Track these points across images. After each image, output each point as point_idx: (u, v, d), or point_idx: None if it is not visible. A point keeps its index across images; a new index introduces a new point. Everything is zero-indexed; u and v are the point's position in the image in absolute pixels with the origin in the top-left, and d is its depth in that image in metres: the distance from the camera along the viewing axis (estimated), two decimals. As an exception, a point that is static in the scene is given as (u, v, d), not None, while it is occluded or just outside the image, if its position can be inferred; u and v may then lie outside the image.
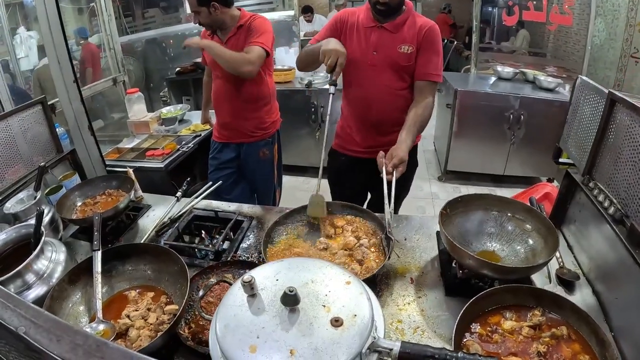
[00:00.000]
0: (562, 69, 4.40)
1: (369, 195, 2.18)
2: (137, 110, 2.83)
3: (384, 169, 1.49)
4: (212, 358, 0.69)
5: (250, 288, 0.72)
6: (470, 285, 1.24)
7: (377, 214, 1.46)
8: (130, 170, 1.87)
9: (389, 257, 1.26)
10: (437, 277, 1.32)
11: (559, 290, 1.23)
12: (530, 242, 1.31)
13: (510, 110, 3.45)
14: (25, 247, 1.25)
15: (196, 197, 1.77)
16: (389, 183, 1.45)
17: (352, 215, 1.50)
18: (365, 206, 2.14)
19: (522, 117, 3.45)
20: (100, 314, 1.10)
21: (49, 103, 1.85)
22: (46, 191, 1.72)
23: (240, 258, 1.45)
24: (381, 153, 1.54)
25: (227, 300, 0.75)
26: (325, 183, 2.15)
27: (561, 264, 1.31)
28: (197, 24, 2.10)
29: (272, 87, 2.30)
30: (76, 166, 1.90)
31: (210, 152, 2.44)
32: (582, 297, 1.23)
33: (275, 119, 2.37)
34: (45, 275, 1.20)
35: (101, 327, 1.08)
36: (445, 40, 7.23)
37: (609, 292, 1.17)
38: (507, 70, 3.93)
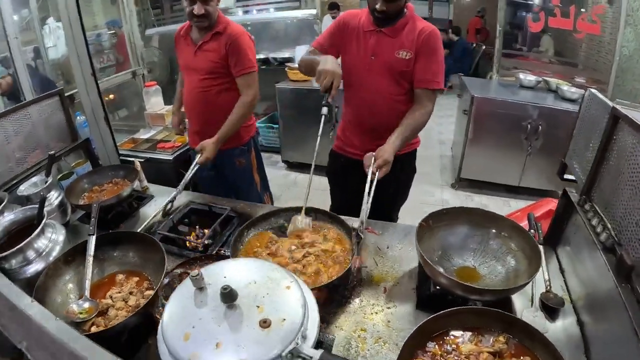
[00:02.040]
0: (592, 80, 4.26)
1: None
2: (154, 102, 2.97)
3: (369, 169, 1.51)
4: (158, 340, 0.76)
5: (198, 282, 0.79)
6: (446, 302, 1.16)
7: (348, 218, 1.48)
8: (137, 162, 1.98)
9: (356, 253, 1.30)
10: (411, 290, 1.31)
11: (539, 316, 1.18)
12: (514, 262, 1.28)
13: (527, 120, 3.38)
14: (30, 227, 1.36)
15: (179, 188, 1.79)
16: (370, 182, 1.48)
17: (327, 223, 1.50)
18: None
19: (540, 127, 3.38)
20: (87, 293, 1.20)
21: (70, 93, 2.00)
22: (59, 176, 1.86)
23: (226, 253, 1.52)
24: (369, 154, 1.56)
25: (179, 290, 0.82)
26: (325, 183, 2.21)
27: (548, 287, 1.25)
28: (199, 16, 1.90)
29: None
30: (89, 154, 2.04)
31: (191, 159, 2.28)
32: (563, 325, 1.17)
33: (249, 126, 2.29)
34: (44, 253, 1.32)
35: (86, 304, 1.18)
36: (474, 44, 7.11)
37: (594, 324, 1.10)
38: (529, 78, 3.84)
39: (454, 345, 0.98)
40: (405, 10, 1.69)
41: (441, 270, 1.19)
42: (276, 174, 4.45)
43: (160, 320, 0.78)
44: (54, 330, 0.66)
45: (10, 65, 2.80)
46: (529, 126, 3.39)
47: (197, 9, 1.87)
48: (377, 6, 1.60)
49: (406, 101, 1.76)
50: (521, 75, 3.88)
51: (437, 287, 1.23)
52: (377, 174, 1.51)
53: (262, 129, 4.82)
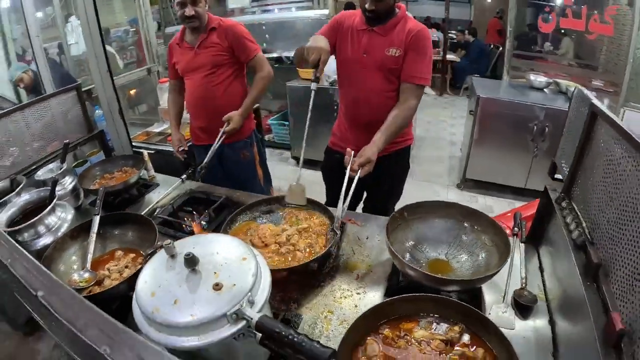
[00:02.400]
0: (609, 83, 4.20)
1: (365, 195, 2.23)
2: (167, 98, 3.13)
3: (349, 165, 1.56)
4: (133, 298, 0.89)
5: (170, 250, 0.91)
6: (415, 292, 1.13)
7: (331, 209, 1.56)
8: (145, 153, 2.14)
9: (331, 247, 1.38)
10: (383, 279, 1.37)
11: (509, 312, 1.19)
12: (486, 256, 1.31)
13: (534, 121, 3.39)
14: (43, 207, 1.53)
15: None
16: (350, 179, 1.53)
17: (312, 211, 1.61)
18: (361, 205, 2.29)
19: (546, 129, 3.38)
20: (88, 265, 1.36)
21: (88, 88, 2.17)
22: (74, 164, 2.03)
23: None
24: (349, 150, 1.60)
25: (156, 257, 0.95)
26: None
27: (523, 285, 1.25)
28: (190, 17, 2.04)
29: (247, 89, 2.33)
30: (102, 145, 2.20)
31: (196, 156, 2.46)
32: (534, 324, 1.17)
33: (251, 121, 2.41)
34: (54, 229, 1.49)
35: (86, 275, 1.33)
36: (491, 46, 7.06)
37: (564, 325, 1.09)
38: (539, 79, 3.82)
39: (406, 330, 1.02)
40: (396, 10, 1.76)
41: (406, 260, 1.27)
42: (285, 169, 4.59)
43: (137, 280, 0.91)
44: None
45: (32, 61, 3.02)
46: (535, 127, 3.40)
47: (188, 10, 2.02)
48: (367, 5, 1.68)
49: (397, 97, 1.81)
50: (532, 77, 3.87)
51: (403, 278, 1.29)
52: (358, 172, 1.55)
53: (274, 126, 4.96)
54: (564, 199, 1.29)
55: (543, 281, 1.32)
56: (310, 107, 1.63)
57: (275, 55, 4.78)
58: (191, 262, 0.85)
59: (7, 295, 1.63)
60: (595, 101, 1.15)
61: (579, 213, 1.18)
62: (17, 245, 0.79)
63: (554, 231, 1.32)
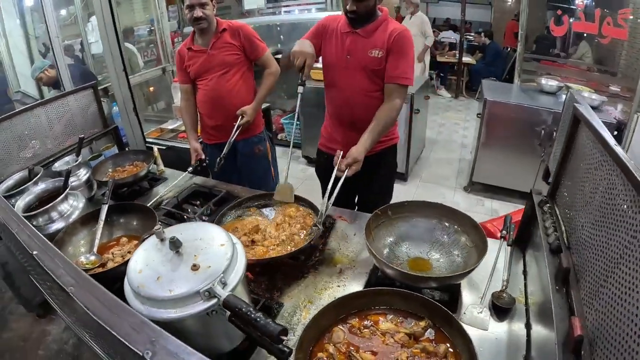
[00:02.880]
0: (626, 89, 4.13)
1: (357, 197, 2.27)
2: (181, 96, 3.28)
3: (336, 166, 1.64)
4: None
5: (159, 235, 1.02)
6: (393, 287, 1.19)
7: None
8: (156, 149, 2.27)
9: (311, 241, 1.47)
10: (364, 274, 1.44)
11: (484, 313, 1.21)
12: (465, 256, 1.36)
13: (542, 125, 3.39)
14: (57, 195, 1.67)
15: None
16: (337, 179, 1.61)
17: (301, 207, 1.71)
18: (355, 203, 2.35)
19: (554, 133, 3.36)
20: (95, 249, 1.49)
21: (105, 86, 2.31)
22: (89, 157, 2.18)
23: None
24: (338, 152, 1.69)
25: (148, 241, 1.06)
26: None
27: (504, 287, 1.27)
28: (198, 18, 2.13)
29: (256, 88, 2.42)
30: (116, 140, 2.35)
31: (206, 157, 2.42)
32: (510, 326, 1.19)
33: (260, 118, 2.50)
34: (66, 215, 1.63)
35: (92, 257, 1.47)
36: (509, 49, 7.00)
37: (538, 329, 1.09)
38: (550, 83, 3.79)
39: (373, 322, 1.08)
40: (378, 12, 1.82)
41: (384, 257, 1.34)
42: (296, 167, 4.69)
43: (130, 259, 1.02)
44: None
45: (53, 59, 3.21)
46: (542, 132, 3.39)
47: (197, 12, 2.12)
48: (348, 6, 1.73)
49: (381, 97, 1.86)
50: (543, 81, 3.84)
51: (383, 274, 1.35)
52: (346, 171, 1.62)
53: (286, 125, 5.08)
54: (547, 202, 1.32)
55: (525, 285, 1.33)
56: (297, 110, 1.78)
57: (289, 55, 4.89)
58: (175, 244, 0.96)
59: (24, 279, 1.78)
60: (580, 105, 1.15)
61: (560, 217, 1.20)
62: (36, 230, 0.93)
63: (538, 235, 1.31)
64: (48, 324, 2.65)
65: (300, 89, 1.72)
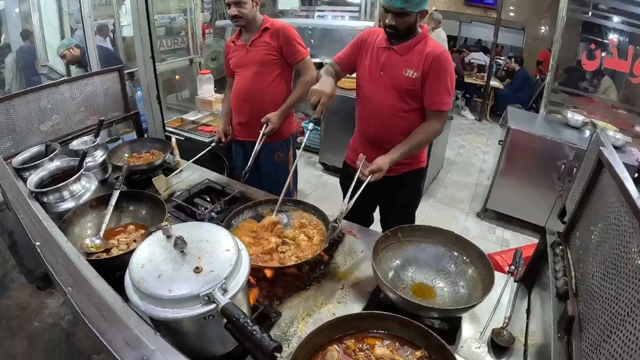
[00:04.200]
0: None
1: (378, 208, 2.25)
2: (205, 89, 3.31)
3: (359, 169, 1.65)
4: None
5: (166, 231, 1.01)
6: (395, 312, 1.14)
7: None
8: (174, 139, 2.28)
9: (327, 243, 1.46)
10: (366, 293, 1.41)
11: (482, 349, 1.17)
12: (470, 289, 1.33)
13: (562, 160, 3.31)
14: (71, 174, 1.68)
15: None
16: (359, 181, 1.61)
17: (309, 214, 1.69)
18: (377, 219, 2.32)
19: (575, 169, 3.30)
20: (101, 234, 1.49)
21: (131, 70, 2.33)
22: (107, 139, 2.19)
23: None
24: (361, 155, 1.69)
25: (154, 235, 1.05)
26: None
27: (504, 324, 1.24)
28: (234, 16, 2.17)
29: (289, 93, 2.38)
30: (136, 125, 2.36)
31: (233, 150, 2.62)
32: None
33: (291, 123, 2.50)
34: (77, 195, 1.64)
35: (97, 241, 1.46)
36: (537, 77, 6.91)
37: None
38: (576, 117, 3.71)
39: (369, 345, 1.05)
40: (418, 29, 1.77)
41: (389, 279, 1.31)
42: (312, 173, 4.68)
43: (134, 251, 1.01)
44: (65, 247, 0.92)
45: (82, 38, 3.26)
46: (563, 166, 3.32)
47: (232, 10, 2.15)
48: (387, 21, 1.68)
49: (411, 118, 1.83)
50: (568, 114, 3.76)
51: (383, 295, 1.31)
52: (368, 177, 1.63)
53: (307, 130, 5.06)
54: (560, 244, 1.27)
55: (527, 324, 1.29)
56: (303, 144, 1.81)
57: (317, 60, 4.88)
58: (180, 244, 0.94)
59: (28, 250, 1.79)
60: (605, 150, 1.09)
61: (571, 262, 1.16)
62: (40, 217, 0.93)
63: (546, 275, 1.27)
64: (47, 297, 2.67)
65: (310, 125, 1.73)
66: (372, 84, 1.85)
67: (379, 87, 1.83)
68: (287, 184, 1.71)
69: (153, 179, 1.94)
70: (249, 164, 2.11)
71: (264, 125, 2.22)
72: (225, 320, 0.87)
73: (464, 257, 1.41)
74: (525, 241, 3.63)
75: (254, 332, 0.80)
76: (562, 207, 1.55)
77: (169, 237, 1.01)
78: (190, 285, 0.88)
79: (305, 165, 4.84)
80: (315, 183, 4.47)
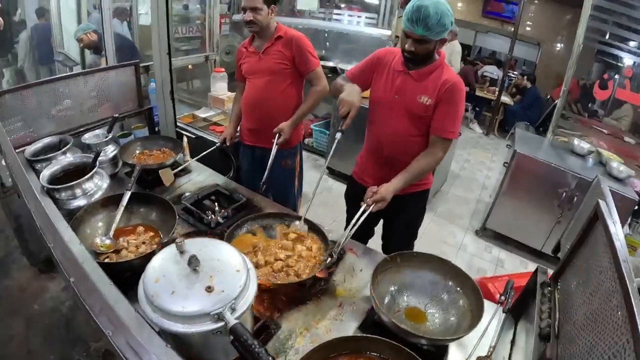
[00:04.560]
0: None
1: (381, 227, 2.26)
2: (219, 87, 3.34)
3: (365, 201, 1.68)
4: (142, 277, 1.03)
5: (180, 247, 1.05)
6: (387, 333, 1.24)
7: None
8: (185, 140, 2.31)
9: (322, 268, 1.50)
10: (362, 312, 1.45)
11: None
12: (459, 318, 1.37)
13: (564, 188, 3.35)
14: (82, 170, 1.73)
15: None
16: (361, 212, 1.64)
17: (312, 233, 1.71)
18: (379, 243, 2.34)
19: (575, 198, 3.34)
20: (111, 234, 1.53)
21: (147, 64, 2.36)
22: (119, 134, 2.23)
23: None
24: (372, 188, 1.71)
25: (168, 249, 1.08)
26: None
27: (489, 353, 1.27)
28: (248, 22, 2.16)
29: (301, 101, 2.42)
30: (148, 121, 2.40)
31: (240, 152, 2.63)
32: None
33: (299, 131, 2.51)
34: (89, 194, 1.68)
35: (107, 241, 1.50)
36: (548, 97, 6.92)
37: None
38: (582, 145, 3.73)
39: None
40: (436, 56, 1.77)
41: (385, 302, 1.36)
42: (317, 177, 4.67)
43: (148, 264, 1.05)
44: (74, 248, 0.96)
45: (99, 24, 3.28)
46: (564, 194, 3.36)
47: (247, 16, 2.14)
48: (407, 46, 1.67)
49: (422, 143, 1.85)
50: (575, 141, 3.79)
51: (377, 317, 1.36)
52: (371, 207, 1.66)
53: (315, 131, 5.10)
54: (549, 285, 1.31)
55: (510, 355, 1.33)
56: (330, 154, 1.82)
57: (331, 64, 4.90)
58: (192, 263, 0.98)
59: (34, 235, 1.82)
60: (603, 203, 1.12)
61: (557, 304, 1.20)
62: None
63: (533, 310, 1.32)
64: (48, 281, 2.71)
65: (338, 135, 1.73)
66: (386, 106, 1.86)
67: (393, 111, 1.84)
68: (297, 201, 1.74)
69: (160, 171, 1.98)
70: (265, 176, 2.14)
71: (277, 136, 2.24)
72: (232, 337, 0.91)
73: (457, 288, 1.46)
74: (520, 263, 3.67)
75: (260, 355, 0.85)
76: (557, 243, 1.62)
77: (182, 253, 1.05)
78: (202, 304, 0.92)
79: (312, 168, 4.87)
80: (320, 187, 4.47)
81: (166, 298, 0.93)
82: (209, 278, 0.98)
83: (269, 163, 2.15)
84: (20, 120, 1.96)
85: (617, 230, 1.01)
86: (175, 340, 1.04)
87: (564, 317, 1.11)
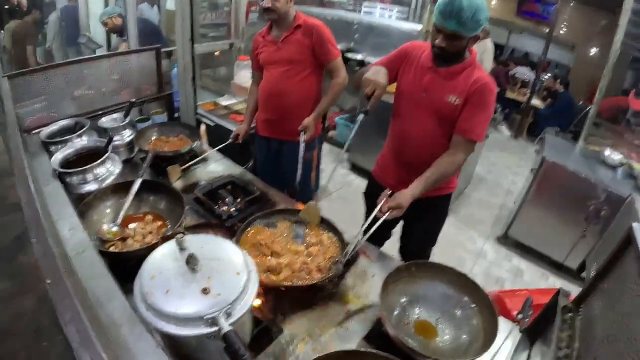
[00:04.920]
0: None
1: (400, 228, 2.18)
2: (242, 75, 3.29)
3: (379, 205, 1.59)
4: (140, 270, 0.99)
5: (180, 243, 1.01)
6: (391, 346, 1.19)
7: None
8: (203, 128, 2.28)
9: (327, 279, 1.42)
10: (370, 321, 1.37)
11: None
12: (471, 337, 1.29)
13: (592, 200, 3.16)
14: (96, 154, 1.71)
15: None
16: (375, 218, 1.55)
17: (329, 234, 1.65)
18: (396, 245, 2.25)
19: (603, 212, 3.15)
20: (119, 221, 1.51)
21: (170, 49, 2.33)
22: (137, 118, 2.21)
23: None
24: (387, 191, 1.63)
25: (169, 243, 1.04)
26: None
27: None
28: (266, 9, 2.12)
29: (320, 92, 2.38)
30: (167, 107, 2.37)
31: (255, 144, 2.59)
32: None
33: (318, 125, 2.43)
34: (100, 179, 1.66)
35: (115, 228, 1.48)
36: (581, 102, 6.65)
37: None
38: (613, 156, 3.53)
39: None
40: (467, 54, 1.66)
41: (395, 313, 1.30)
42: (338, 171, 4.62)
43: (147, 258, 1.01)
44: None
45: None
46: (592, 207, 3.18)
47: (266, 2, 2.09)
48: (437, 41, 1.57)
49: (446, 144, 1.74)
50: (606, 152, 3.59)
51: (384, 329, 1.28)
52: (386, 214, 1.56)
53: (340, 125, 5.03)
54: (571, 311, 1.21)
55: None
56: (352, 135, 1.68)
57: (359, 57, 4.79)
58: (190, 262, 0.94)
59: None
60: (638, 225, 0.99)
61: (577, 333, 1.10)
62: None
63: (551, 333, 1.21)
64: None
65: (360, 117, 1.62)
66: (412, 104, 1.76)
67: (420, 109, 1.74)
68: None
69: (168, 168, 1.94)
70: (298, 175, 2.11)
71: (302, 132, 2.21)
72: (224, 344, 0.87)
73: (472, 305, 1.37)
74: (541, 274, 3.53)
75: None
76: (581, 262, 1.50)
77: (182, 249, 1.01)
78: (196, 306, 0.88)
79: (333, 162, 4.80)
80: (340, 182, 4.42)
81: (160, 297, 0.90)
82: (207, 279, 0.94)
83: (299, 162, 2.10)
84: (44, 101, 1.97)
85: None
86: (170, 340, 1.00)
87: (584, 348, 1.02)
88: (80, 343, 0.63)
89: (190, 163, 2.11)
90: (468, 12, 1.45)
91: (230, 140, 2.31)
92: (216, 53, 3.94)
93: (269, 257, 1.50)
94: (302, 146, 2.20)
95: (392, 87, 1.85)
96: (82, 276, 1.07)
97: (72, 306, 0.73)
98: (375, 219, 1.56)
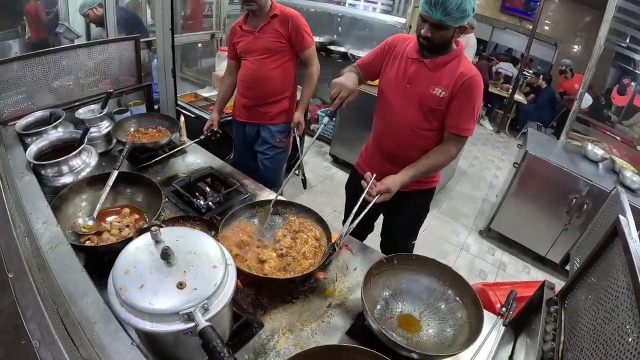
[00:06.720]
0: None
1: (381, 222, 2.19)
2: (224, 66, 3.20)
3: (366, 189, 1.58)
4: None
5: (155, 236, 0.97)
6: (374, 340, 1.18)
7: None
8: (183, 119, 2.22)
9: (323, 263, 1.42)
10: (352, 315, 1.36)
11: None
12: (456, 331, 1.28)
13: (574, 194, 3.22)
14: (72, 146, 1.65)
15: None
16: (365, 202, 1.54)
17: (309, 220, 1.63)
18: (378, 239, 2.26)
19: (585, 206, 3.21)
20: (95, 214, 1.46)
21: (149, 39, 2.26)
22: (115, 110, 2.14)
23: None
24: (368, 174, 1.61)
25: (144, 237, 1.00)
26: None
27: None
28: (245, 0, 2.16)
29: (296, 79, 2.47)
30: (146, 98, 2.31)
31: (233, 131, 2.64)
32: None
33: (291, 110, 2.51)
34: (75, 171, 1.60)
35: (90, 222, 1.43)
36: (562, 98, 6.74)
37: None
38: (595, 151, 3.59)
39: None
40: (453, 45, 1.65)
41: (377, 307, 1.28)
42: (320, 164, 4.62)
43: (121, 252, 0.97)
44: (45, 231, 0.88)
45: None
46: (574, 200, 3.24)
47: None
48: (422, 31, 1.56)
49: (431, 137, 1.74)
50: (588, 147, 3.64)
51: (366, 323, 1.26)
52: (375, 198, 1.56)
53: (322, 117, 4.98)
54: (556, 303, 1.21)
55: None
56: (314, 138, 1.71)
57: (342, 50, 4.75)
58: (165, 256, 0.90)
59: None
60: (624, 220, 0.99)
61: (562, 324, 1.09)
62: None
63: (536, 325, 1.21)
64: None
65: (325, 120, 1.66)
66: (396, 96, 1.74)
67: (404, 100, 1.72)
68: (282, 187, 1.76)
69: None
70: (299, 161, 2.03)
71: (296, 129, 2.41)
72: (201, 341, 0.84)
73: (457, 298, 1.36)
74: (523, 268, 3.58)
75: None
76: (565, 255, 1.51)
77: (157, 242, 0.97)
78: (171, 301, 0.84)
79: (315, 155, 4.79)
80: (323, 175, 4.41)
81: (134, 292, 0.86)
82: (182, 273, 0.90)
83: (299, 161, 2.05)
84: (22, 93, 1.90)
85: (639, 251, 0.90)
86: (147, 336, 0.97)
87: (570, 341, 1.01)
88: (41, 340, 0.59)
89: (176, 149, 2.10)
90: (454, 1, 1.43)
91: (208, 134, 2.35)
92: (199, 44, 3.88)
93: (255, 249, 1.48)
94: (298, 139, 2.42)
95: (376, 82, 1.85)
96: (55, 271, 1.04)
97: (34, 302, 0.68)
98: (365, 203, 1.55)
